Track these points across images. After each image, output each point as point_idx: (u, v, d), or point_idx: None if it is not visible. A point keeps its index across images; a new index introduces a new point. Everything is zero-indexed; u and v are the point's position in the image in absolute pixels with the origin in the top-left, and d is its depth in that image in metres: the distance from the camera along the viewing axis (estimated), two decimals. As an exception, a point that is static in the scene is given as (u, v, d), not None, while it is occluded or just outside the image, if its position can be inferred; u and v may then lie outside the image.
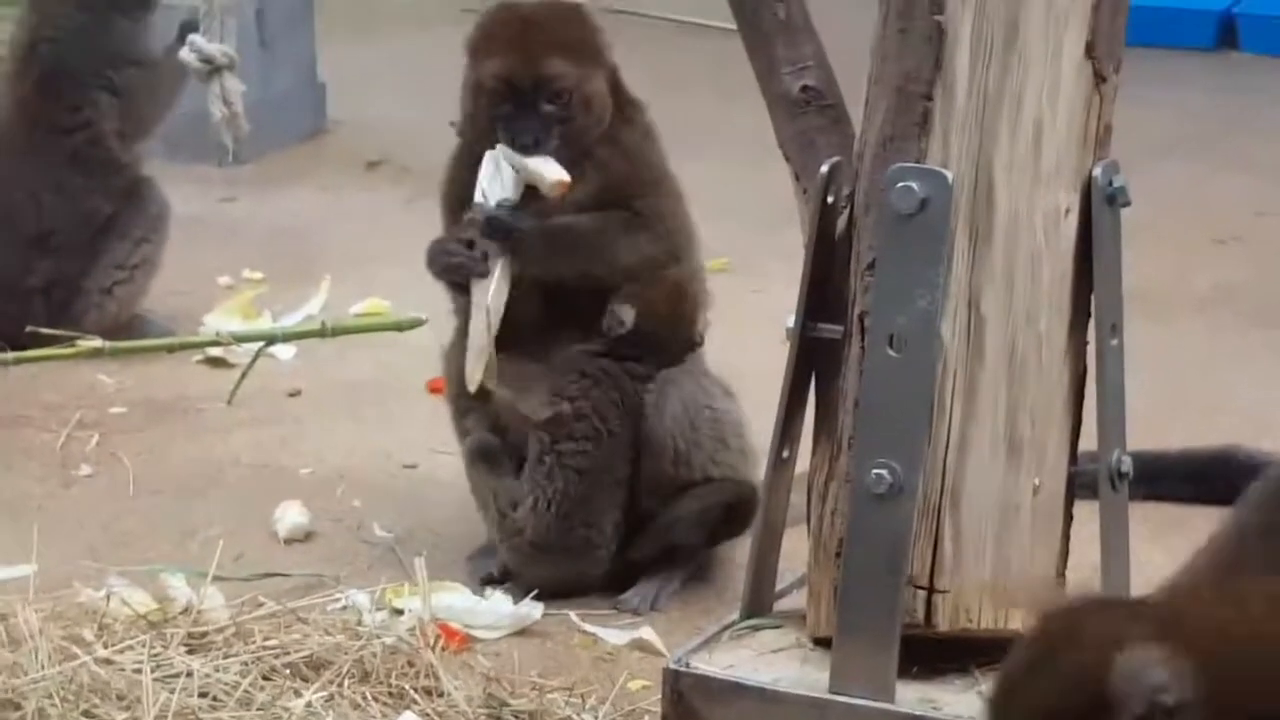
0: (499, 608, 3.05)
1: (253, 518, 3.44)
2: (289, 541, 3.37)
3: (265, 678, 2.72)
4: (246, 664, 2.75)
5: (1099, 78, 2.33)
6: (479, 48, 3.22)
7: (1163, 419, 3.90)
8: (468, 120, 3.28)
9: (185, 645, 2.84)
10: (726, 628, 2.42)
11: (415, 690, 2.74)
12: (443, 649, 2.87)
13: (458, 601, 3.06)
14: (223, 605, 2.97)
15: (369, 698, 2.69)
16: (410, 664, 2.80)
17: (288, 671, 2.74)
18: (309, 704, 2.64)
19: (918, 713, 2.22)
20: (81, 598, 3.02)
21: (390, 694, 2.75)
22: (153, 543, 3.36)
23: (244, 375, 3.91)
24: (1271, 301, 4.62)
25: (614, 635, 3.04)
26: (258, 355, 3.93)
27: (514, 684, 2.79)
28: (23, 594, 2.95)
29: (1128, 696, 1.74)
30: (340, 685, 2.70)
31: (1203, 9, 6.88)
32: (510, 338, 3.13)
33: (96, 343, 3.95)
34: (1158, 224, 5.05)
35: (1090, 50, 2.32)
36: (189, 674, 2.72)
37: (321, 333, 4.00)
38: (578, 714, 2.71)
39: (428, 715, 2.68)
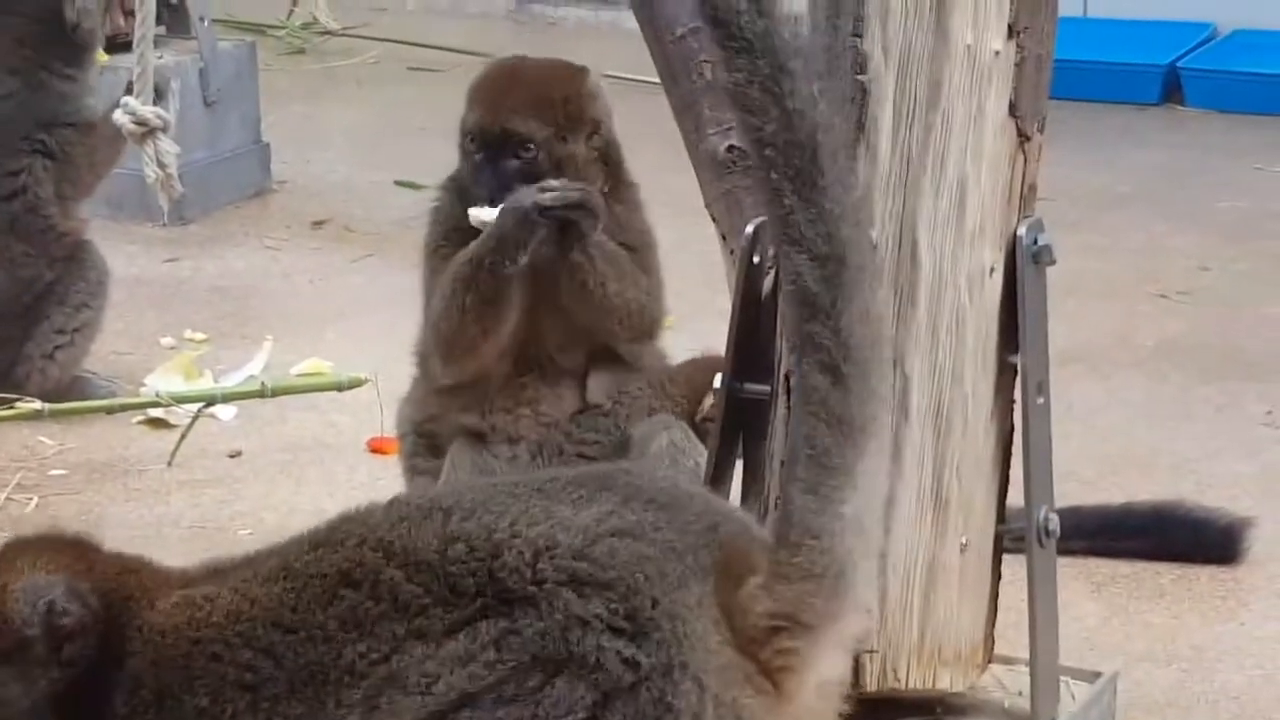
0: None
1: (191, 580, 3.41)
2: (228, 604, 3.34)
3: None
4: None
5: (1023, 136, 2.33)
6: (469, 97, 3.25)
7: (1104, 474, 3.91)
8: (460, 168, 3.30)
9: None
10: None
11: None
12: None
13: None
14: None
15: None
16: None
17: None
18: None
19: (845, 774, 2.21)
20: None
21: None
22: (91, 606, 3.33)
23: (184, 436, 3.90)
24: (1214, 357, 4.64)
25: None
26: (197, 416, 3.92)
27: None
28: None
29: (23, 617, 1.99)
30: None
31: (1148, 64, 6.93)
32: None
33: (35, 405, 3.94)
34: (1101, 279, 5.08)
35: (1014, 109, 2.32)
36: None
37: (261, 393, 3.99)
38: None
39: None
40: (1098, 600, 3.41)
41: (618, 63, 6.83)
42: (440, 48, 7.09)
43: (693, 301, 4.68)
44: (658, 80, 3.03)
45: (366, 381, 3.97)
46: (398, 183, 5.87)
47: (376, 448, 3.99)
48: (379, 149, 6.25)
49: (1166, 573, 3.55)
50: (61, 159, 4.22)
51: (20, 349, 4.16)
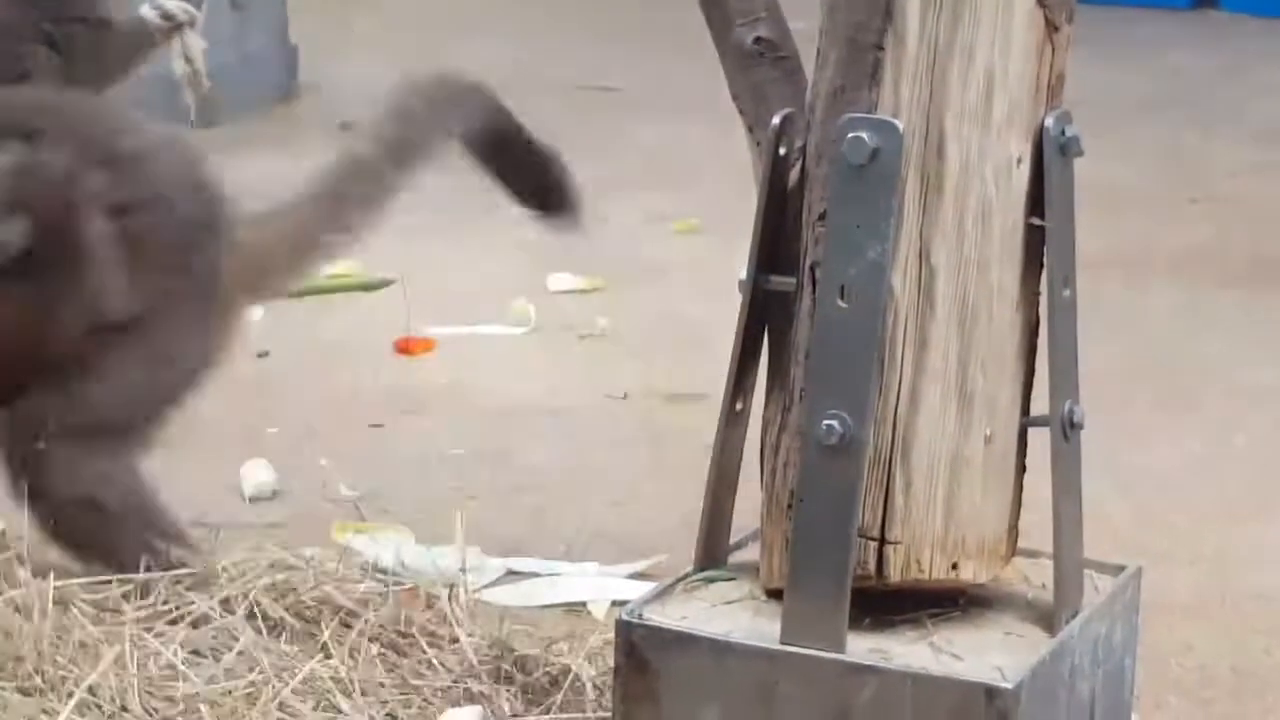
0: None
1: (219, 476, 3.44)
2: (255, 500, 3.37)
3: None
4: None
5: (1051, 26, 2.31)
6: None
7: (1130, 377, 3.91)
8: None
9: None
10: (680, 580, 2.40)
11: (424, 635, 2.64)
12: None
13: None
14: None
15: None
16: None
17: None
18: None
19: (868, 662, 2.21)
20: (48, 551, 3.02)
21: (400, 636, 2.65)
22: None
23: (211, 336, 3.90)
24: (1243, 261, 4.63)
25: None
26: (224, 316, 3.92)
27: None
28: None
29: None
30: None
31: (1182, -32, 6.88)
32: None
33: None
34: (1131, 184, 5.06)
35: None
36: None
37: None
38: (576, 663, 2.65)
39: (432, 663, 2.62)
40: (1122, 500, 3.40)
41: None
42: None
43: (720, 203, 4.68)
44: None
45: (394, 282, 3.98)
46: (424, 86, 5.85)
47: (404, 348, 4.00)
48: (406, 51, 6.23)
49: (1192, 474, 3.55)
50: (67, 54, 4.20)
51: None
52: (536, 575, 3.09)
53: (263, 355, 4.00)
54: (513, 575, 3.07)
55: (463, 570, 2.80)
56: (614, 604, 2.98)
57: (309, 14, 6.07)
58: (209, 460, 3.51)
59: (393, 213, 4.83)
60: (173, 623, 2.55)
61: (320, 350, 4.03)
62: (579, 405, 3.81)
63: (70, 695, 2.36)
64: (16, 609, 2.52)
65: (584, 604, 3.01)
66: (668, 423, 3.71)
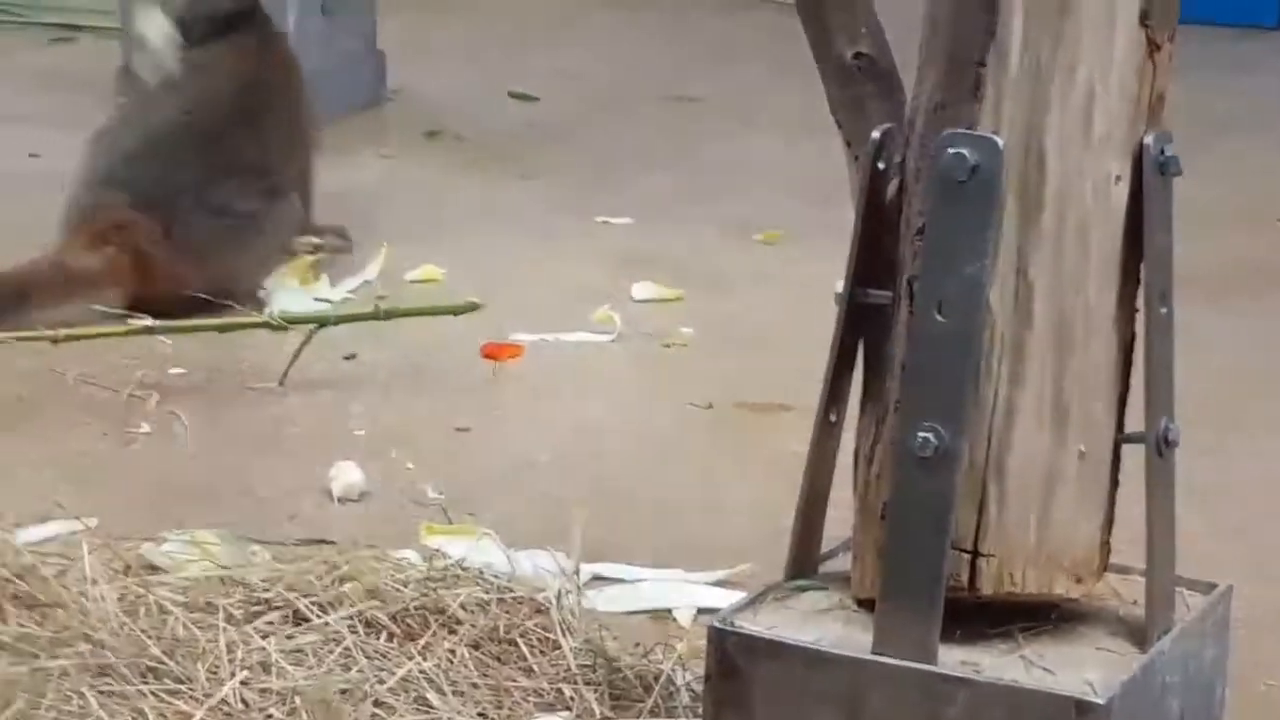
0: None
1: (308, 477, 3.48)
2: (343, 501, 3.41)
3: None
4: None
5: (1153, 45, 2.32)
6: None
7: (1215, 395, 3.90)
8: None
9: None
10: (772, 589, 2.43)
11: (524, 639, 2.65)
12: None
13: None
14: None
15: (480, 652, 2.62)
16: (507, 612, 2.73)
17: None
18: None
19: (959, 674, 2.23)
20: (142, 549, 3.06)
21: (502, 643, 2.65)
22: (211, 500, 3.41)
23: (295, 357, 3.90)
24: (1331, 283, 4.62)
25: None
26: (309, 338, 3.92)
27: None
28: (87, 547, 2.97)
29: None
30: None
31: (1266, -14, 6.85)
32: None
33: (147, 321, 3.96)
34: (1216, 204, 5.05)
35: (1145, 18, 2.31)
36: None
37: (374, 315, 4.01)
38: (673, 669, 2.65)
39: (530, 667, 2.62)
40: (1206, 515, 3.40)
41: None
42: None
43: (804, 215, 4.71)
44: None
45: (480, 307, 3.99)
46: (511, 94, 5.91)
47: (490, 353, 4.04)
48: (493, 59, 6.29)
49: (1278, 492, 3.55)
50: None
51: (247, 259, 4.26)
52: (622, 581, 3.11)
53: (350, 358, 4.05)
54: (598, 581, 3.09)
55: (576, 574, 2.83)
56: (699, 611, 3.00)
57: (398, 20, 6.12)
58: (298, 461, 3.56)
59: (476, 220, 4.90)
60: (270, 621, 2.59)
61: (407, 355, 4.07)
62: (663, 412, 3.83)
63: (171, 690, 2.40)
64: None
65: (669, 610, 3.03)
66: (751, 433, 3.73)
